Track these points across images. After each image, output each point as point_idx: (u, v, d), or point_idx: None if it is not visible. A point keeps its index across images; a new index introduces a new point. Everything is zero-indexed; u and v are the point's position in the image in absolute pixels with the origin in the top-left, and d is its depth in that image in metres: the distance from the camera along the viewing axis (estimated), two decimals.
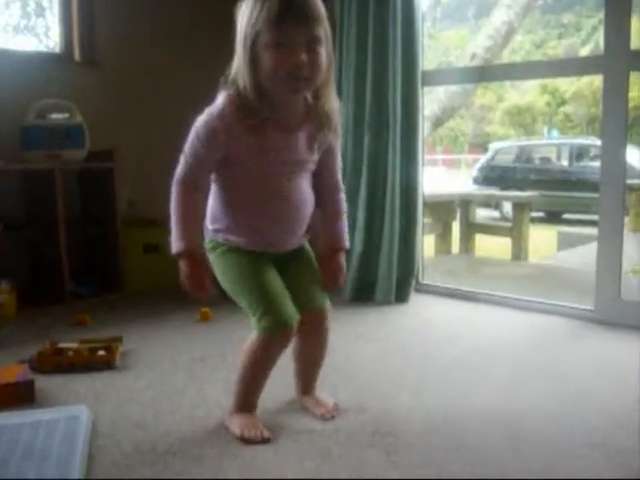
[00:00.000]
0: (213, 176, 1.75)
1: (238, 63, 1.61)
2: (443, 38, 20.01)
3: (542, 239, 7.63)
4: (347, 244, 1.89)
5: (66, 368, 2.30)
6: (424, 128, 3.48)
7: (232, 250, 1.75)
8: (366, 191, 3.26)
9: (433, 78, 3.49)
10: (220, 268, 1.78)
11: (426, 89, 3.38)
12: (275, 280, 1.75)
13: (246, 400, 1.82)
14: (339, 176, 1.88)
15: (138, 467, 1.60)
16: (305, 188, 1.78)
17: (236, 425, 1.78)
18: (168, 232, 1.69)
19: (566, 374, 2.26)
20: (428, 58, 3.41)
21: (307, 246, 1.90)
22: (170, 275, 3.50)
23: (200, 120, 1.66)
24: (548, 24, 25.96)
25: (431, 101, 6.69)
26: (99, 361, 2.34)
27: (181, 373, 2.29)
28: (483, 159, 11.29)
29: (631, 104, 2.78)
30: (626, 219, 6.29)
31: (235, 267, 1.75)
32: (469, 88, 7.69)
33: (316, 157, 1.78)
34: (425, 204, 3.57)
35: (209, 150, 1.66)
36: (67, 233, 3.19)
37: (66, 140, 3.21)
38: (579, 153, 10.39)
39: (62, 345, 2.45)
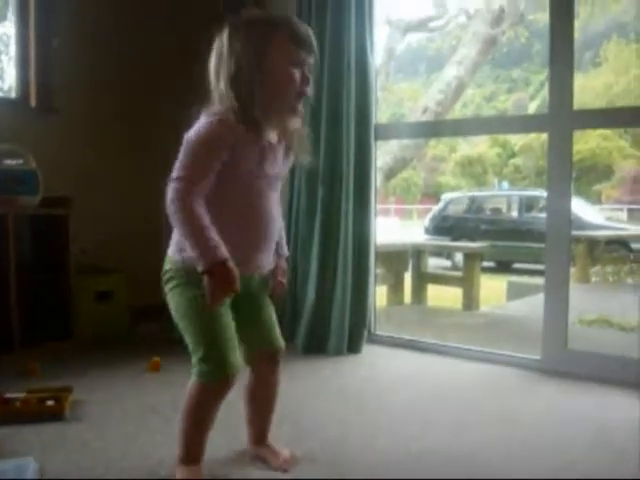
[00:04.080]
0: None
1: (234, 84, 1.62)
2: (397, 90, 20.42)
3: (493, 288, 7.75)
4: (287, 251, 1.96)
5: (13, 419, 2.25)
6: (377, 180, 3.55)
7: (192, 283, 1.67)
8: (319, 242, 3.30)
9: (386, 132, 3.57)
10: (175, 301, 1.73)
11: (379, 142, 3.46)
12: (228, 326, 1.72)
13: (190, 451, 1.78)
14: None
15: None
16: (278, 203, 1.83)
17: (180, 478, 1.76)
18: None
19: (515, 421, 2.30)
20: (382, 109, 3.50)
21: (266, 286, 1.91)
22: (121, 322, 3.51)
23: (198, 130, 1.63)
24: (498, 78, 26.75)
25: (384, 153, 6.80)
26: (48, 411, 2.30)
27: (132, 423, 2.27)
28: (435, 209, 11.48)
29: (577, 157, 2.89)
30: (573, 269, 6.43)
31: (191, 303, 1.69)
32: (421, 141, 7.85)
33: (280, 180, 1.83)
34: (377, 254, 3.62)
35: (215, 156, 1.62)
36: (17, 279, 3.14)
37: (20, 186, 3.18)
38: (529, 204, 10.67)
39: (9, 395, 2.40)
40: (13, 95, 3.65)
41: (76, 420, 2.30)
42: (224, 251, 1.57)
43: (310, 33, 1.71)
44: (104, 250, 3.61)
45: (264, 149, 1.70)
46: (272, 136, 1.74)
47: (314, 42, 1.71)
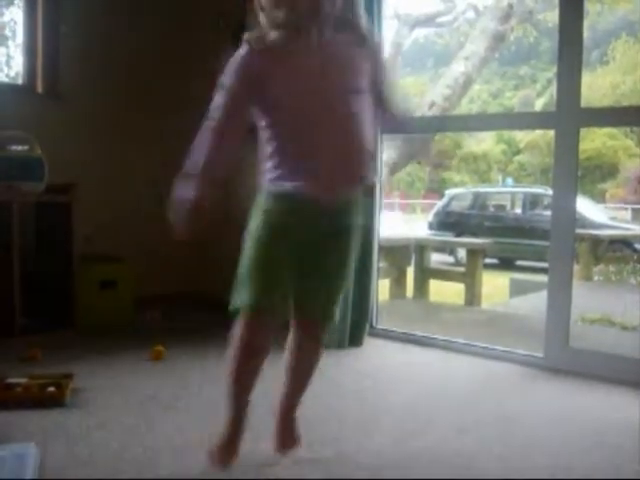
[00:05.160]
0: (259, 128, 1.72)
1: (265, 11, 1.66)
2: (403, 85, 20.39)
3: (495, 285, 7.74)
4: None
5: (14, 404, 2.26)
6: (382, 174, 3.54)
7: (273, 211, 1.70)
8: None
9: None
10: (252, 225, 1.73)
11: (385, 136, 3.45)
12: (279, 272, 1.70)
13: (235, 405, 1.79)
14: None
15: None
16: (356, 114, 1.72)
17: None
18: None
19: (515, 419, 2.30)
20: None
21: (356, 226, 1.93)
22: (125, 312, 3.50)
23: (230, 60, 1.68)
24: (505, 75, 26.71)
25: (389, 147, 6.79)
26: (49, 398, 2.31)
27: (132, 411, 2.27)
28: (439, 205, 11.46)
29: (583, 156, 2.89)
30: (576, 267, 6.41)
31: (261, 237, 1.70)
32: (427, 136, 7.83)
33: (361, 79, 1.75)
34: (380, 248, 3.61)
35: (243, 83, 1.66)
36: (21, 266, 3.15)
37: (24, 172, 3.18)
38: (533, 201, 10.64)
39: (10, 380, 2.41)
40: (20, 81, 3.65)
41: (76, 407, 2.30)
42: (205, 169, 1.62)
43: None
44: (109, 238, 3.60)
45: (301, 65, 1.67)
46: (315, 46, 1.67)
47: None
